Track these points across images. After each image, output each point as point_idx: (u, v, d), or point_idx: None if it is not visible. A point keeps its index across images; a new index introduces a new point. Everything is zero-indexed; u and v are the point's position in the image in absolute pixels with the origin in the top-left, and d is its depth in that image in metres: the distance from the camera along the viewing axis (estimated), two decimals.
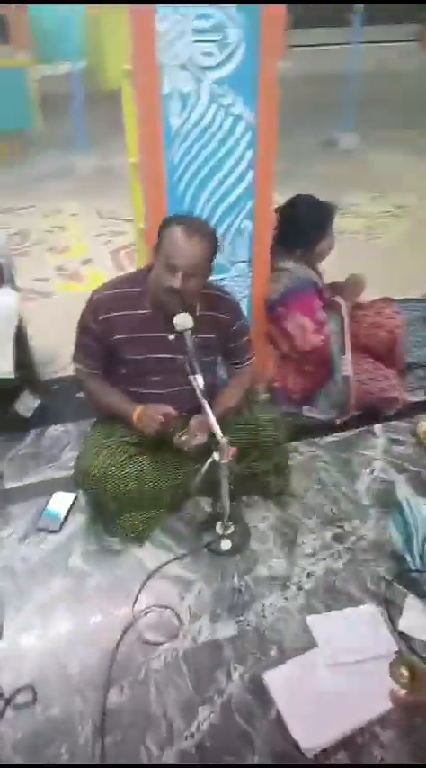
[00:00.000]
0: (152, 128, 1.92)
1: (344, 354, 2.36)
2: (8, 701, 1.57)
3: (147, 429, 1.87)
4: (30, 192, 5.16)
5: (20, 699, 1.57)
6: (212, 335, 1.96)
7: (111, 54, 7.93)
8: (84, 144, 5.66)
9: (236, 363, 2.10)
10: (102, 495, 1.90)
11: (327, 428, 2.45)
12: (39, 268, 3.95)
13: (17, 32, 8.66)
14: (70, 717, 1.54)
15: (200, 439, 1.90)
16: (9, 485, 2.16)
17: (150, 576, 1.86)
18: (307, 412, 2.51)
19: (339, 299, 2.37)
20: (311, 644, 1.68)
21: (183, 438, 1.92)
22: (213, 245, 1.79)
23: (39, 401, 2.56)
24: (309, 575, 1.88)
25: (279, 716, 1.52)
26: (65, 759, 1.46)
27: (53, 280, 3.83)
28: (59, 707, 1.57)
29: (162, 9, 1.76)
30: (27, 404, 2.53)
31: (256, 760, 1.44)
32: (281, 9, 1.88)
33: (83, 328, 1.94)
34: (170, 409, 1.87)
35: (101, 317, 1.88)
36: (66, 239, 4.40)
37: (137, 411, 1.89)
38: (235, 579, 1.86)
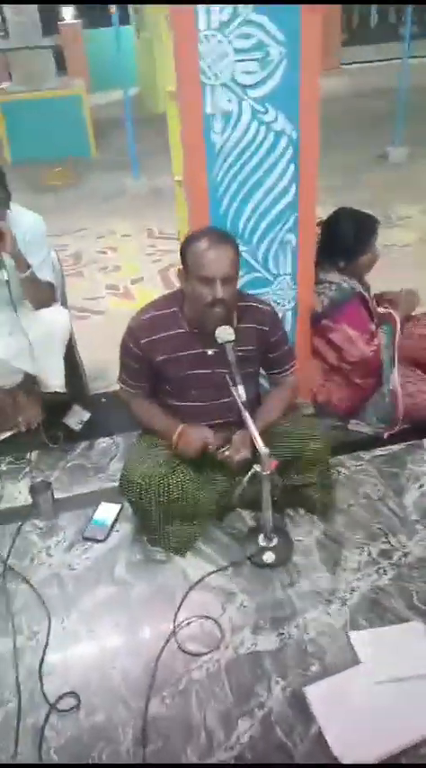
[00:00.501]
0: (195, 146, 1.97)
1: (394, 366, 2.33)
2: (52, 707, 1.60)
3: (185, 454, 1.92)
4: (84, 215, 5.34)
5: (64, 705, 1.60)
6: (252, 347, 1.97)
7: (162, 78, 8.13)
8: (135, 166, 5.82)
9: (278, 374, 2.10)
10: (145, 505, 1.93)
11: (374, 442, 2.41)
12: (92, 288, 4.08)
13: (73, 62, 9.05)
14: (112, 724, 1.56)
15: (244, 454, 1.91)
16: (58, 495, 2.21)
17: (192, 587, 1.87)
18: (354, 426, 2.48)
19: (393, 313, 2.34)
20: (354, 661, 1.64)
21: (227, 453, 1.93)
22: (237, 247, 1.84)
23: (88, 414, 2.63)
24: (353, 590, 1.84)
25: (320, 732, 1.49)
26: None
27: (105, 299, 3.94)
28: (102, 714, 1.59)
29: (204, 30, 1.82)
30: (77, 417, 2.61)
31: None
32: (319, 26, 1.90)
33: (125, 353, 2.01)
34: (210, 435, 1.91)
35: (142, 341, 1.94)
36: (118, 259, 4.52)
37: (177, 433, 1.93)
38: (278, 592, 1.85)
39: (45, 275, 2.34)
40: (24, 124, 6.72)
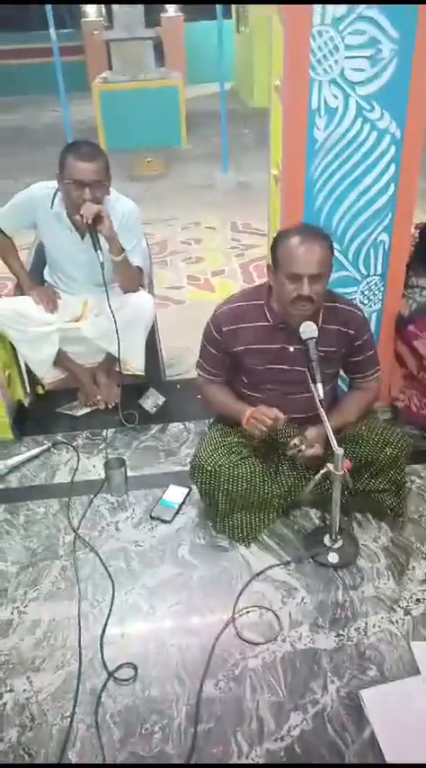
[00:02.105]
0: (296, 141, 1.97)
1: None
2: (111, 675, 1.65)
3: (255, 431, 1.90)
4: (171, 205, 5.43)
5: (122, 674, 1.65)
6: (334, 348, 1.96)
7: (260, 73, 8.14)
8: (226, 160, 5.86)
9: (360, 379, 2.08)
10: (213, 492, 1.96)
11: None
12: (174, 277, 4.15)
13: (172, 54, 9.19)
14: (167, 699, 1.60)
15: (316, 451, 1.90)
16: (130, 473, 2.27)
17: (254, 577, 1.89)
18: None
19: None
20: (414, 671, 1.61)
21: (298, 447, 1.92)
22: (331, 246, 1.80)
23: (163, 399, 2.68)
24: (419, 601, 1.80)
25: (373, 736, 1.47)
26: (157, 737, 1.52)
27: (185, 288, 4.00)
28: (157, 688, 1.62)
29: (317, 26, 1.81)
30: (152, 401, 2.67)
31: None
32: None
33: (206, 339, 2.03)
34: (279, 413, 1.88)
35: (224, 329, 1.96)
36: (201, 251, 4.58)
37: (247, 413, 1.92)
38: (340, 594, 1.84)
39: (136, 260, 2.40)
40: (121, 113, 6.89)
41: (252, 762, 1.46)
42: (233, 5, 9.30)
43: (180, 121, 7.09)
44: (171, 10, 10.50)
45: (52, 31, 5.12)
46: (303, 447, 1.89)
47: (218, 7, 5.33)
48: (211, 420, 2.29)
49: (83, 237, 2.33)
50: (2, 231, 2.44)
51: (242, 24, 9.12)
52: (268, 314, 1.94)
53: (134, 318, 2.41)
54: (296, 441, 1.92)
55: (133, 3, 5.53)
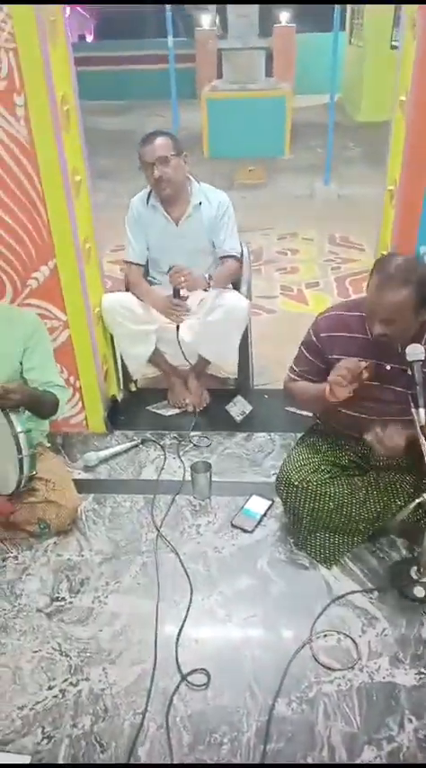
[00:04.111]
0: (419, 156, 1.93)
1: None
2: (184, 677, 1.65)
3: (339, 391, 1.78)
4: (269, 215, 5.43)
5: (194, 679, 1.65)
6: None
7: (370, 87, 8.01)
8: (328, 172, 5.80)
9: None
10: (298, 508, 1.93)
11: None
12: (267, 286, 4.14)
13: (281, 63, 9.21)
14: (237, 711, 1.58)
15: (398, 442, 1.79)
16: (213, 478, 2.28)
17: (334, 600, 1.84)
18: None
19: None
20: None
21: (380, 434, 1.83)
22: (417, 294, 1.66)
23: (250, 407, 2.67)
24: None
25: None
26: (226, 749, 1.50)
27: (278, 298, 3.98)
28: (229, 698, 1.61)
29: None
30: (239, 408, 2.67)
31: None
32: None
33: (304, 344, 2.01)
34: (362, 362, 1.78)
35: (321, 334, 1.93)
36: (296, 262, 4.55)
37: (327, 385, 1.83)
38: (424, 630, 1.76)
39: (232, 247, 2.51)
40: (226, 122, 6.97)
41: None
42: (347, 17, 9.21)
43: (285, 132, 7.09)
44: (284, 20, 10.54)
45: (170, 38, 5.25)
46: (381, 434, 1.81)
47: (335, 18, 5.29)
48: (300, 435, 2.25)
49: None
50: (137, 264, 2.59)
51: (354, 37, 9.02)
52: (367, 327, 1.89)
53: (227, 319, 2.43)
54: (378, 429, 1.84)
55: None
